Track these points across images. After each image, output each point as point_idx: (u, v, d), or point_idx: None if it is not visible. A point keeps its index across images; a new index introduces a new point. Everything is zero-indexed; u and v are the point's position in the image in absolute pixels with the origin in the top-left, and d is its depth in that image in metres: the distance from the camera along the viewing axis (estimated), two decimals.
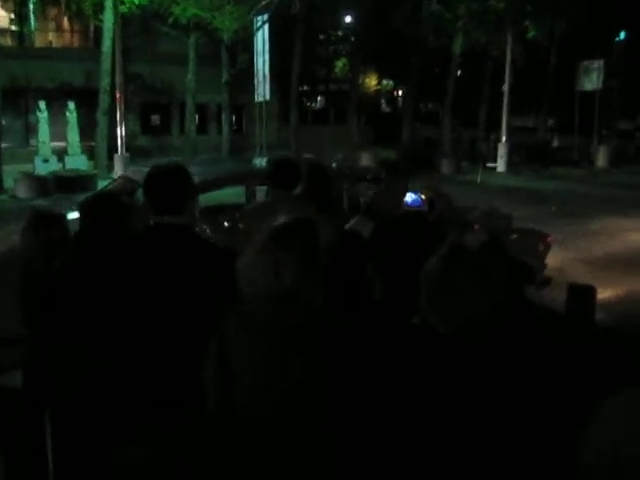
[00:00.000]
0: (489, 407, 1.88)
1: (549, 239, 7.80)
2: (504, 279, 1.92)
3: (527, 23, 24.67)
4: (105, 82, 20.26)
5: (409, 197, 3.00)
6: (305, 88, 43.10)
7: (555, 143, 30.34)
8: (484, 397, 1.88)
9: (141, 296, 2.75)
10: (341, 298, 2.20)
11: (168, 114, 29.02)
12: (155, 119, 28.91)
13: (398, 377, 1.95)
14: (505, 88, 24.14)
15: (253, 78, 19.43)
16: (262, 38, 17.57)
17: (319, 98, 45.80)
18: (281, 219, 2.53)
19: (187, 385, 2.65)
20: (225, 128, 23.86)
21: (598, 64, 26.09)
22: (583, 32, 26.70)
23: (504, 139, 24.41)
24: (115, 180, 7.45)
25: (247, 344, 2.34)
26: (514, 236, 7.71)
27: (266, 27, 17.53)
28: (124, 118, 19.01)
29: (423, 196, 3.03)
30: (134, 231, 3.28)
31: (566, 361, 2.79)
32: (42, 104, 19.74)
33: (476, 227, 7.10)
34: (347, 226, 2.62)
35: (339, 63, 44.28)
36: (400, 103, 47.17)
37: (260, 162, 8.29)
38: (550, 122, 36.06)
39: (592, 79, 26.45)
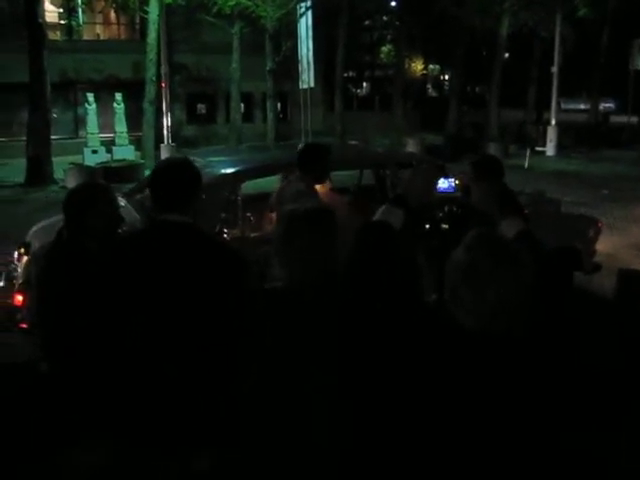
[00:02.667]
0: (504, 404, 1.81)
1: (599, 224, 7.57)
2: (532, 270, 1.82)
3: (577, 1, 23.91)
4: (151, 72, 20.45)
5: (442, 183, 2.90)
6: (350, 74, 42.87)
7: (607, 124, 29.47)
8: (501, 393, 1.80)
9: (139, 296, 2.63)
10: (372, 292, 2.13)
11: (213, 103, 29.18)
12: (201, 108, 29.07)
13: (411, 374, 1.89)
14: (554, 69, 23.54)
15: (297, 65, 19.33)
16: (305, 25, 17.45)
17: (364, 84, 45.52)
18: (298, 206, 2.47)
19: (194, 389, 2.57)
20: (270, 116, 23.86)
21: None
22: (637, 8, 25.81)
23: (553, 122, 23.84)
24: None
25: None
26: (563, 221, 7.51)
27: (309, 14, 17.41)
28: (170, 108, 19.20)
29: (457, 182, 2.92)
30: (117, 223, 3.17)
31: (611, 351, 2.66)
32: (90, 96, 20.04)
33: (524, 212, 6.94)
34: (375, 216, 2.53)
35: (384, 49, 43.88)
36: (447, 87, 46.55)
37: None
38: (604, 105, 34.99)
39: None
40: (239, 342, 2.51)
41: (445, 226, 7.09)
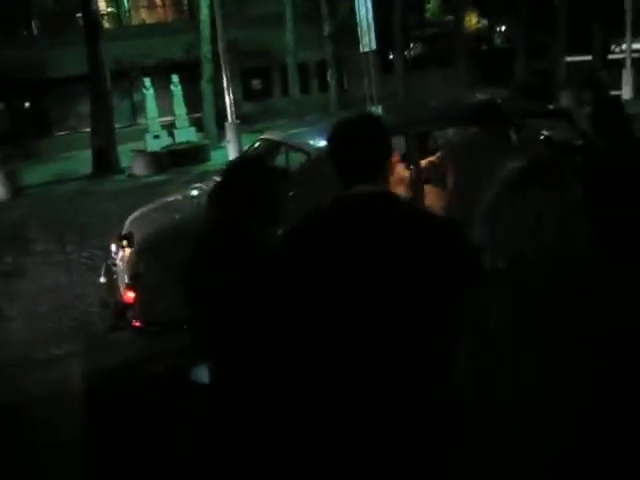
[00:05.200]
0: None
1: None
2: None
3: None
4: (205, 50, 20.00)
5: None
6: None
7: None
8: None
9: (339, 293, 2.06)
10: None
11: (268, 77, 28.61)
12: (256, 84, 28.56)
13: None
14: (628, 7, 22.14)
15: (353, 30, 18.57)
16: None
17: (416, 44, 44.26)
18: (519, 162, 1.91)
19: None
20: (332, 83, 23.17)
21: None
22: None
23: (629, 64, 22.50)
24: (256, 142, 6.94)
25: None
26: None
27: None
28: (228, 86, 18.64)
29: None
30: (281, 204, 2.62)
31: None
32: (147, 81, 19.64)
33: None
34: None
35: (430, 7, 42.63)
36: (494, 41, 45.19)
37: (376, 112, 7.80)
38: None
39: None
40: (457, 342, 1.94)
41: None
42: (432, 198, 5.16)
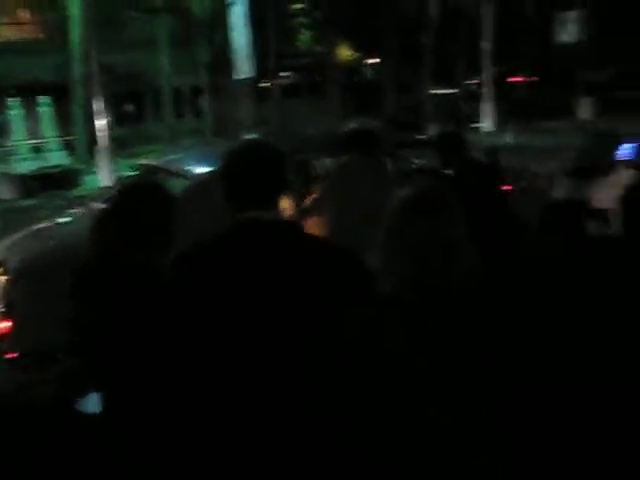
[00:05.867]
0: None
1: None
2: None
3: None
4: (76, 72, 19.47)
5: (622, 149, 2.53)
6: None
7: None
8: None
9: (238, 317, 2.08)
10: None
11: (141, 102, 28.14)
12: (128, 108, 28.01)
13: None
14: (485, 45, 23.67)
15: (228, 56, 18.74)
16: (241, 12, 16.88)
17: (288, 73, 44.96)
18: (405, 190, 2.06)
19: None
20: (208, 109, 23.19)
21: (575, 15, 25.70)
22: None
23: (490, 96, 23.99)
24: (139, 168, 6.87)
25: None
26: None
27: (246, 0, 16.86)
28: (100, 109, 18.19)
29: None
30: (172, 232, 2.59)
31: None
32: (13, 102, 18.85)
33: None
34: (558, 192, 2.17)
35: (303, 37, 43.44)
36: (364, 73, 46.73)
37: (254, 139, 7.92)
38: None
39: (569, 31, 26.08)
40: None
41: None
42: (314, 228, 5.32)
